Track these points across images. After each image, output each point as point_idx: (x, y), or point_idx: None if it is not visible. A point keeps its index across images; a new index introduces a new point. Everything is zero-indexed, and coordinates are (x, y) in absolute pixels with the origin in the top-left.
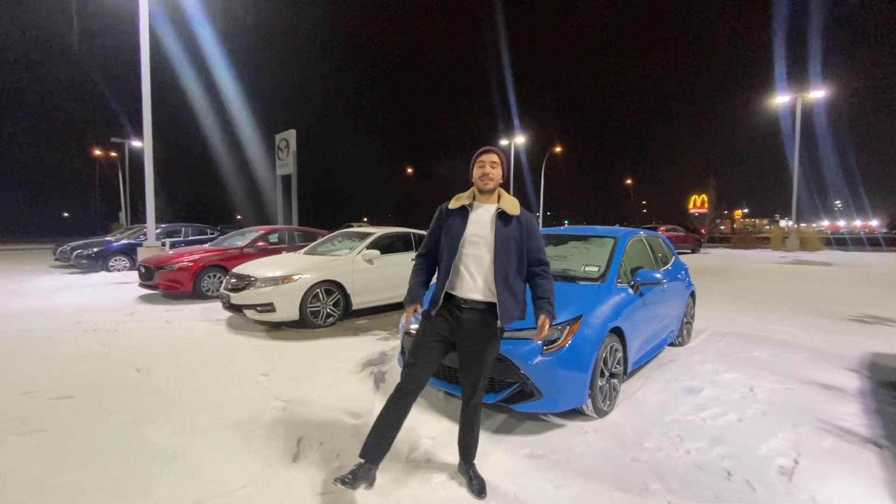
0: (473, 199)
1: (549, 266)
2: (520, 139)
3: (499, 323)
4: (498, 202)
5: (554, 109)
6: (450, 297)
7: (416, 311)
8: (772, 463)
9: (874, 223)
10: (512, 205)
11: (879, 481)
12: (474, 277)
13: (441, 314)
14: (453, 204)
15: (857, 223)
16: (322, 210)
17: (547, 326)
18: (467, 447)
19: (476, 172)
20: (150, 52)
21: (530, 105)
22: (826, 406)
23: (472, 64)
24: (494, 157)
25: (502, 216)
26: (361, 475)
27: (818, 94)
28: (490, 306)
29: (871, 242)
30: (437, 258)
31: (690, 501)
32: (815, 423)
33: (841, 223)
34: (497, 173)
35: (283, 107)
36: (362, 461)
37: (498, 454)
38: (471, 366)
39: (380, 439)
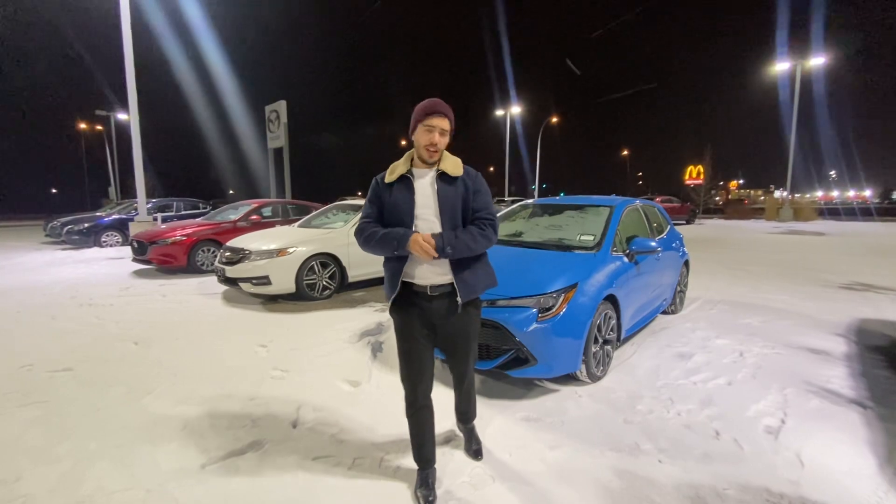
0: (411, 165)
1: (494, 219)
2: (516, 109)
3: (459, 300)
4: (438, 164)
5: (549, 80)
6: (410, 286)
7: (425, 239)
8: (759, 423)
9: (867, 193)
10: (454, 165)
11: (862, 440)
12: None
13: (412, 308)
14: (390, 177)
15: (851, 193)
16: (316, 183)
17: (425, 241)
18: (466, 413)
19: (422, 138)
20: (133, 21)
21: (526, 76)
22: (813, 369)
23: (467, 32)
24: (446, 124)
25: (443, 177)
26: (432, 478)
27: (818, 61)
28: (442, 287)
29: (863, 212)
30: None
31: (680, 460)
32: (802, 386)
33: (835, 193)
34: (445, 142)
35: (273, 77)
36: (418, 468)
37: (494, 418)
38: (458, 352)
39: (422, 446)
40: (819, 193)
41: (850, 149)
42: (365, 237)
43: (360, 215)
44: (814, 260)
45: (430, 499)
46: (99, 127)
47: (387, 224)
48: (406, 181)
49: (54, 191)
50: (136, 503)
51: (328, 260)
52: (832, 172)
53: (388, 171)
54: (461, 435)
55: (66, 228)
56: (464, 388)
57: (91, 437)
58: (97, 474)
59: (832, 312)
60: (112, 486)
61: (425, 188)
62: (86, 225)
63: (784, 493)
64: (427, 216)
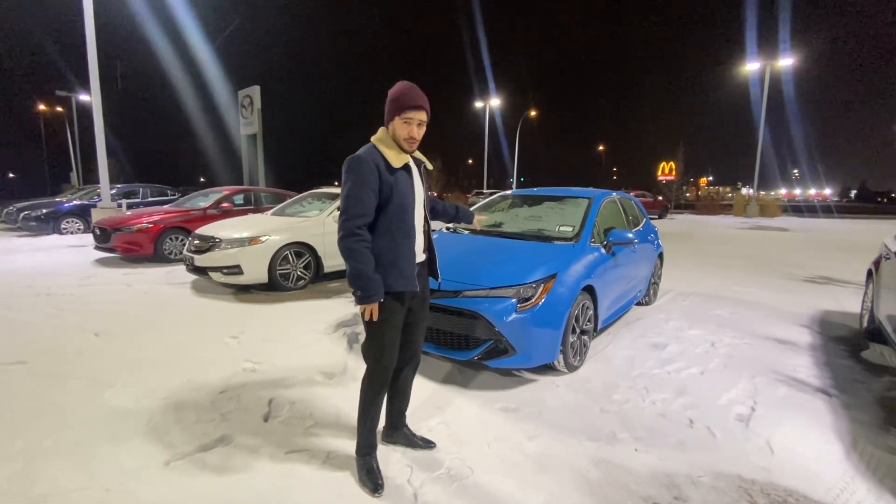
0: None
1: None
2: (495, 101)
3: (439, 280)
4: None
5: (527, 75)
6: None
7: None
8: (730, 411)
9: (827, 191)
10: (421, 156)
11: (827, 426)
12: (419, 238)
13: (405, 296)
14: (397, 161)
15: (812, 191)
16: (291, 172)
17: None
18: (403, 412)
19: (401, 130)
20: None
21: (504, 69)
22: (781, 359)
23: (446, 24)
24: (424, 116)
25: (422, 167)
26: (377, 463)
27: (787, 61)
28: (423, 263)
29: (823, 210)
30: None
31: (656, 448)
32: (771, 375)
33: (797, 191)
34: (422, 132)
35: (248, 60)
36: (365, 455)
37: (472, 409)
38: (422, 326)
39: (375, 430)
40: (783, 191)
41: (812, 149)
42: (352, 252)
43: (343, 207)
44: (779, 254)
45: (380, 481)
46: (60, 108)
47: (387, 215)
48: (408, 169)
49: (11, 175)
50: (94, 503)
51: (303, 249)
52: (795, 171)
53: (394, 154)
54: (413, 430)
55: (22, 214)
56: (411, 372)
57: (46, 433)
58: (52, 473)
59: (797, 304)
60: (69, 484)
61: (416, 178)
62: (44, 211)
63: (756, 480)
64: (419, 210)
